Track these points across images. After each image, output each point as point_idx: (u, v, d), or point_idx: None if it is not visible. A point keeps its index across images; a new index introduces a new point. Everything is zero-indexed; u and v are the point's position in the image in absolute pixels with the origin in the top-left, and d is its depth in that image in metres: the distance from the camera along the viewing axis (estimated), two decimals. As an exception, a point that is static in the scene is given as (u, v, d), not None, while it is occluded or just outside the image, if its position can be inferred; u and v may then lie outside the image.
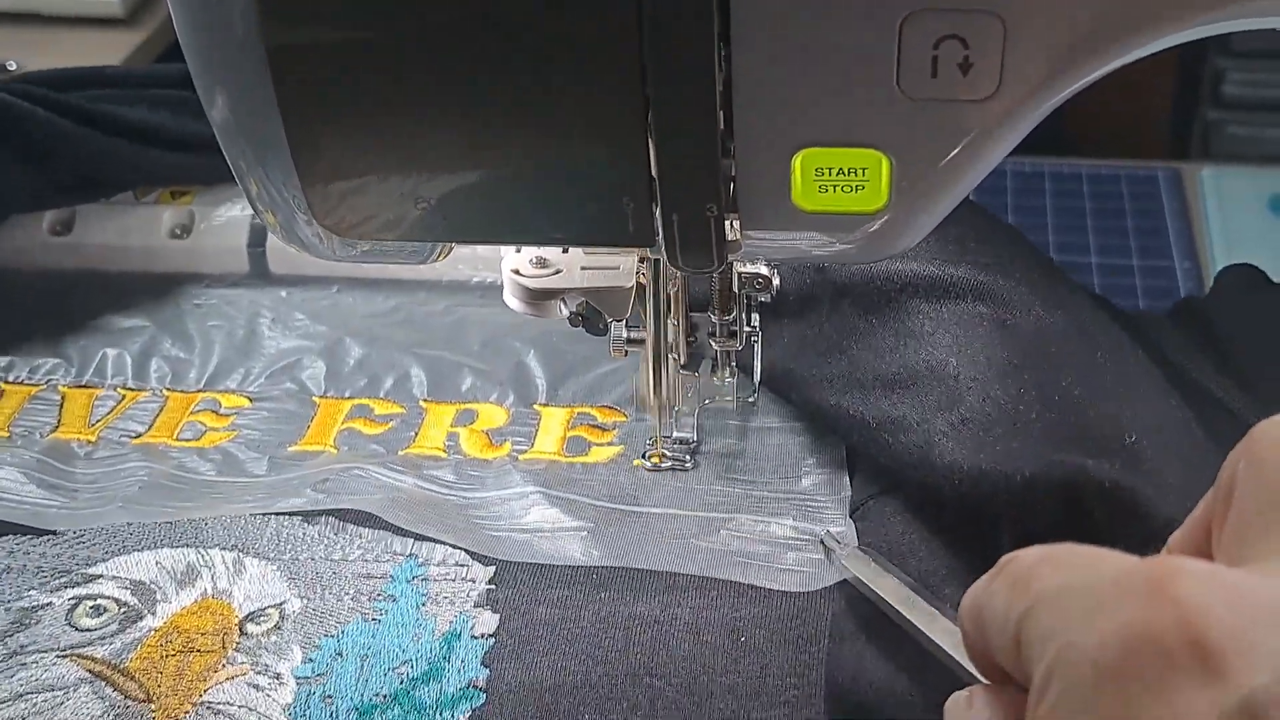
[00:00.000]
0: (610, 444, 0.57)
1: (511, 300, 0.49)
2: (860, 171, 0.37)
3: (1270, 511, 0.28)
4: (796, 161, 0.37)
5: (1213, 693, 0.24)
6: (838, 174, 0.37)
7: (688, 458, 0.55)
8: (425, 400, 0.60)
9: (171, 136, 0.68)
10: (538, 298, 0.49)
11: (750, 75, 0.35)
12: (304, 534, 0.52)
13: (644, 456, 0.55)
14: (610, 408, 0.59)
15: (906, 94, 0.35)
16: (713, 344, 0.52)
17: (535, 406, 0.59)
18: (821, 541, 0.50)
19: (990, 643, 0.31)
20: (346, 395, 0.60)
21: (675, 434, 0.55)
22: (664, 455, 0.55)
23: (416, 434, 0.58)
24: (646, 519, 0.53)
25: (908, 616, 0.43)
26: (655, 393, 0.53)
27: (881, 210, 0.38)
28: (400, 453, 0.57)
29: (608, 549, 0.51)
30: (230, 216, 0.69)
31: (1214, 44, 0.93)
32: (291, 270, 0.68)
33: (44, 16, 0.90)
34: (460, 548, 0.51)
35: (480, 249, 0.66)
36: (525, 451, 0.56)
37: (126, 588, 0.50)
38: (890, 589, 0.45)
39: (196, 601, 0.49)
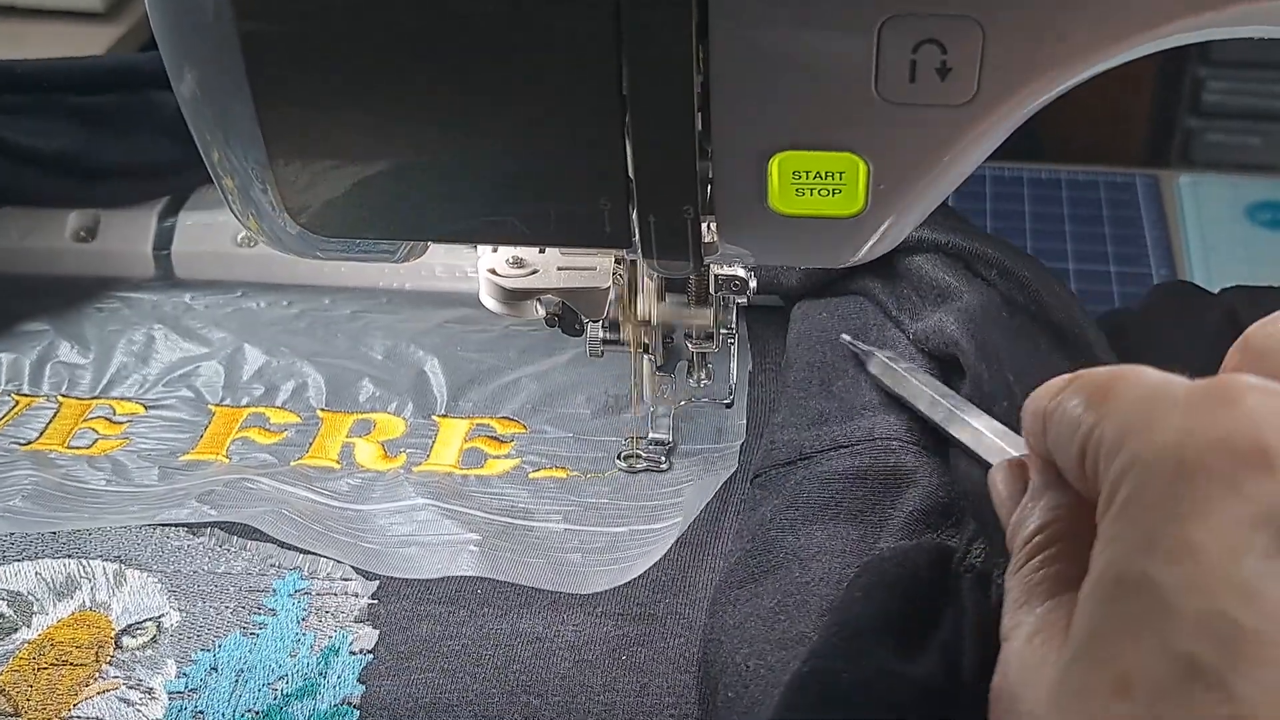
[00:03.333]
0: (507, 456, 0.56)
1: (488, 300, 0.49)
2: (837, 175, 0.37)
3: None
4: (773, 164, 0.36)
5: (1275, 485, 0.28)
6: (815, 177, 0.37)
7: (663, 459, 0.55)
8: (322, 410, 0.59)
9: (84, 165, 0.66)
10: (514, 298, 0.49)
11: (728, 77, 0.35)
12: (188, 546, 0.51)
13: (620, 458, 0.55)
14: (509, 419, 0.58)
15: (884, 98, 0.35)
16: (689, 345, 0.52)
17: (434, 418, 0.58)
18: (851, 346, 0.54)
19: (1057, 451, 0.34)
20: (243, 404, 0.59)
21: (651, 435, 0.56)
22: (639, 456, 0.55)
23: (311, 444, 0.57)
24: (537, 534, 0.52)
25: (934, 418, 0.49)
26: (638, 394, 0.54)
27: (859, 214, 0.38)
28: (292, 463, 0.56)
29: (494, 564, 0.50)
30: (136, 220, 0.68)
31: (1194, 52, 0.93)
32: (197, 274, 0.67)
33: (22, 9, 0.88)
34: (345, 562, 0.50)
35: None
36: (421, 464, 0.56)
37: (3, 599, 0.49)
38: (915, 392, 0.50)
39: (74, 614, 0.48)
